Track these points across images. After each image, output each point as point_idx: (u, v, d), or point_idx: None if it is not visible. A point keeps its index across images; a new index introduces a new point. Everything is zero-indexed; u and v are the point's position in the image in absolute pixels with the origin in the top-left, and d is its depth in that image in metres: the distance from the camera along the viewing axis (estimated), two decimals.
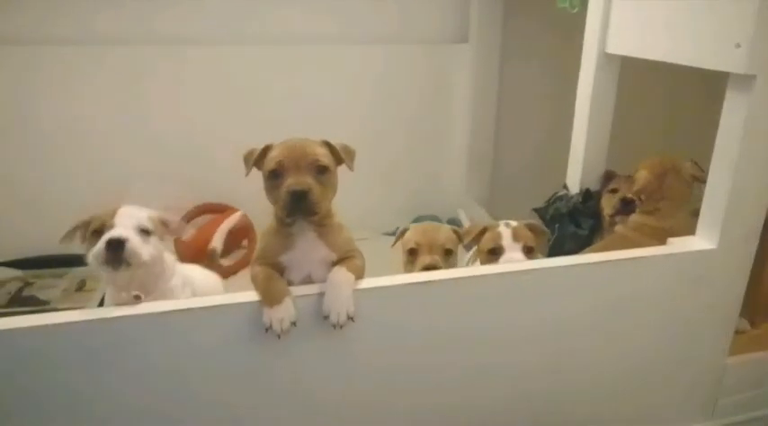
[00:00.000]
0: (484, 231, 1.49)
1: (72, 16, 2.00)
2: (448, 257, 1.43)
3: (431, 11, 2.33)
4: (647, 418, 1.51)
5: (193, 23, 2.11)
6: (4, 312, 1.81)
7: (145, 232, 1.23)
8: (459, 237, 1.50)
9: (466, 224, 2.23)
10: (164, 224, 1.31)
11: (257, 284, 1.15)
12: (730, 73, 1.26)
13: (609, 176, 1.82)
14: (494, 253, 1.44)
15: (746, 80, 1.23)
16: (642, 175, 1.71)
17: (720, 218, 1.33)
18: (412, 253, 1.44)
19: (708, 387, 1.52)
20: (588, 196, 1.80)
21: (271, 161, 1.17)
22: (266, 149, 1.21)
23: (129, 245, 1.17)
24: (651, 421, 1.52)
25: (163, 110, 2.12)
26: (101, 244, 1.16)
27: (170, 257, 1.36)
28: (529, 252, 1.44)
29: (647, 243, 1.46)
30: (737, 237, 1.36)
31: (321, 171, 1.17)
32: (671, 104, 2.50)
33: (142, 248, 1.19)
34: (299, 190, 1.12)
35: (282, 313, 1.09)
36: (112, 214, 1.22)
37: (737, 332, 1.52)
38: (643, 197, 1.70)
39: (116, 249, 1.16)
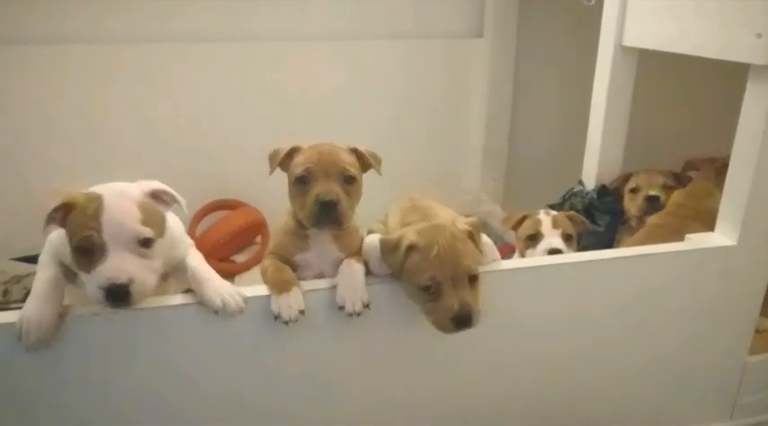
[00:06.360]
0: (524, 218, 1.57)
1: (83, 16, 2.00)
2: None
3: (446, 5, 2.31)
4: (666, 418, 1.48)
5: (207, 21, 2.11)
6: (20, 307, 1.82)
7: (144, 242, 0.99)
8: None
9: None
10: (156, 197, 1.08)
11: (267, 276, 1.15)
12: (751, 64, 1.23)
13: (626, 177, 1.79)
14: (533, 239, 1.52)
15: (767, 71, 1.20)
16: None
17: (741, 214, 1.31)
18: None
19: (727, 387, 1.49)
20: (603, 192, 1.77)
21: (298, 166, 1.15)
22: (292, 151, 1.19)
23: (133, 289, 0.96)
24: (670, 421, 1.49)
25: (175, 107, 2.11)
26: (98, 291, 0.96)
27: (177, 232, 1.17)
28: (567, 239, 1.50)
29: (685, 227, 1.41)
30: (758, 234, 1.33)
31: (349, 181, 1.15)
32: (690, 99, 2.44)
33: (146, 277, 0.99)
34: (329, 201, 1.11)
35: (291, 300, 1.09)
36: (95, 215, 0.96)
37: (758, 331, 1.49)
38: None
39: (119, 297, 0.96)
